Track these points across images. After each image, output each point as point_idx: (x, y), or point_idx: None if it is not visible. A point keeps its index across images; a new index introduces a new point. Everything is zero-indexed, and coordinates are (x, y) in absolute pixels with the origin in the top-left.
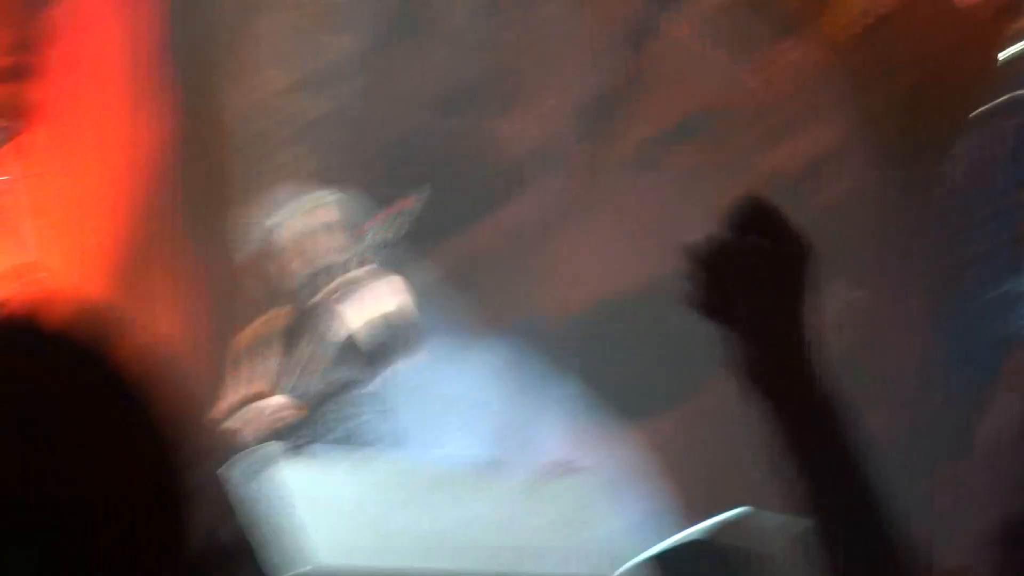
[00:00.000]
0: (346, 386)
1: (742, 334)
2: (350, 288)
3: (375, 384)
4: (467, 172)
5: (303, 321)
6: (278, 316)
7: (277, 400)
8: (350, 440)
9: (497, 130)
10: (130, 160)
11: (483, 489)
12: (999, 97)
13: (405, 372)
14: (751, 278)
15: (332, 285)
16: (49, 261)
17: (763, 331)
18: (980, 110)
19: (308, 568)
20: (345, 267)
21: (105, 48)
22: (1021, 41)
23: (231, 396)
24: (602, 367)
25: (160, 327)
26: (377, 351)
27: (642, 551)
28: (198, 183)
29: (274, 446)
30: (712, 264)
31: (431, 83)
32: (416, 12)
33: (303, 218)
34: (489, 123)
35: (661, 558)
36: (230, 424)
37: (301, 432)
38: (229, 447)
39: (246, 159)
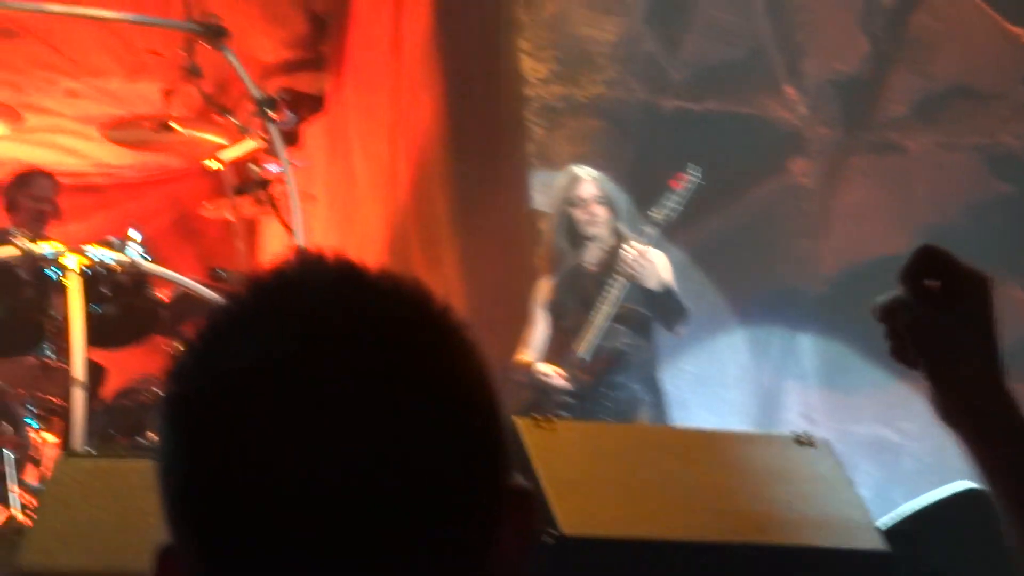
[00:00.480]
0: (620, 356)
1: (935, 381)
2: (625, 260)
3: (643, 355)
4: (724, 154)
5: (574, 292)
6: (543, 288)
7: (548, 368)
8: (616, 409)
9: (754, 112)
10: (401, 147)
11: (728, 458)
12: None
13: (669, 345)
14: (934, 327)
15: (603, 257)
16: (325, 248)
17: (955, 377)
18: None
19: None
20: (611, 241)
21: (378, 40)
22: None
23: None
24: (846, 338)
25: None
26: (652, 322)
27: (878, 522)
28: (465, 168)
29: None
30: (894, 319)
31: (688, 67)
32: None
33: (568, 193)
34: (746, 105)
35: (935, 506)
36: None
37: (571, 399)
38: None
39: (510, 144)
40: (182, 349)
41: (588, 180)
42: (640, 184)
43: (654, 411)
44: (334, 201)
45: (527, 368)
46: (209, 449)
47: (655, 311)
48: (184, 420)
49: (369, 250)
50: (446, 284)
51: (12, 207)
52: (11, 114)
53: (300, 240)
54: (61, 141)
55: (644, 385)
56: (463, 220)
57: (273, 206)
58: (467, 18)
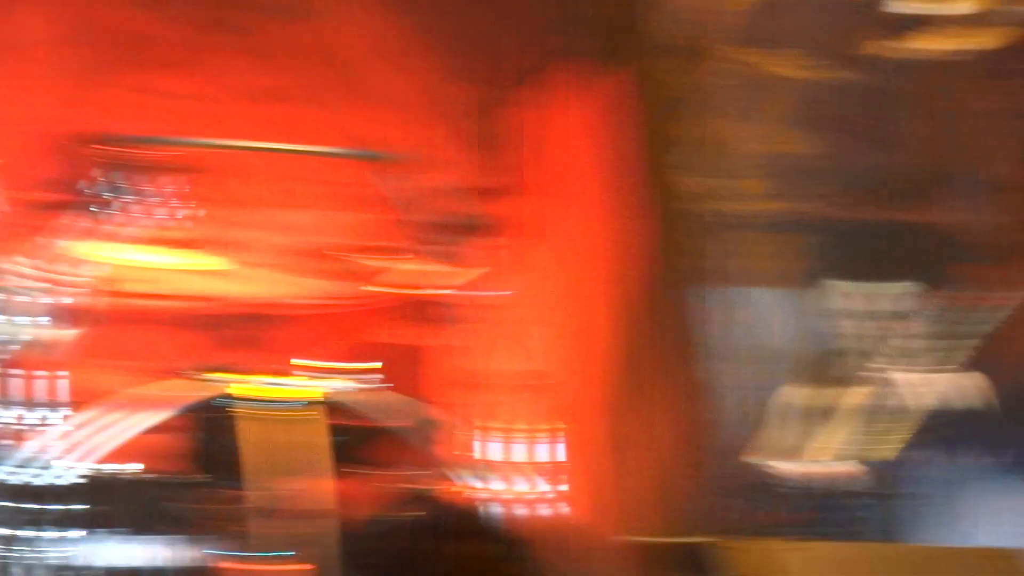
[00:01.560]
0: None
1: None
2: (925, 374)
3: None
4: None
5: (873, 398)
6: (847, 393)
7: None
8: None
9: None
10: (613, 266)
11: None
12: None
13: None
14: None
15: (902, 370)
16: (552, 370)
17: None
18: None
19: None
20: (904, 354)
21: (581, 161)
22: None
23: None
24: None
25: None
26: (953, 440)
27: None
28: (674, 281)
29: None
30: None
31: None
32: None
33: (852, 304)
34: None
35: None
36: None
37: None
38: None
39: (714, 259)
40: None
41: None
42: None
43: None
44: (559, 323)
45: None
46: None
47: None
48: None
49: (594, 371)
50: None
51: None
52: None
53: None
54: (260, 274)
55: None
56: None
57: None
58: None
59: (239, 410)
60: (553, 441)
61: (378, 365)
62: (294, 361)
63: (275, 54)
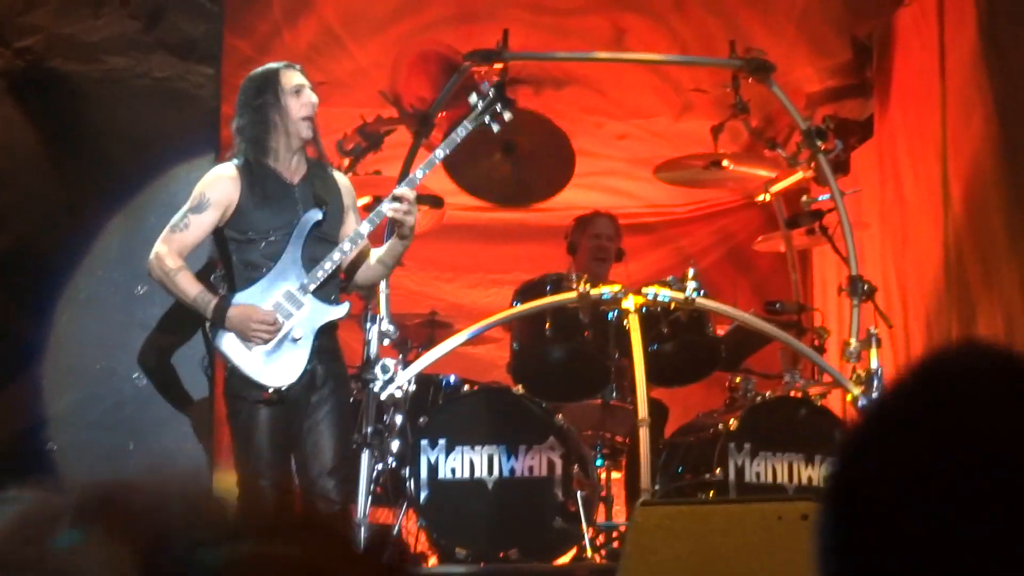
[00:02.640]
0: None
1: None
2: None
3: None
4: None
5: None
6: None
7: None
8: None
9: None
10: (952, 167)
11: None
12: None
13: None
14: None
15: None
16: (875, 273)
17: None
18: None
19: None
20: None
21: (924, 61)
22: None
23: None
24: None
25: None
26: None
27: None
28: (1021, 183)
29: None
30: None
31: None
32: None
33: None
34: None
35: None
36: None
37: None
38: None
39: None
40: (850, 431)
41: None
42: None
43: None
44: (887, 227)
45: None
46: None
47: None
48: (855, 505)
49: (925, 273)
50: (1006, 304)
51: (573, 249)
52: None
53: (854, 269)
54: (612, 183)
55: None
56: (1022, 236)
57: (826, 236)
58: (1017, 34)
59: None
60: None
61: None
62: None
63: None
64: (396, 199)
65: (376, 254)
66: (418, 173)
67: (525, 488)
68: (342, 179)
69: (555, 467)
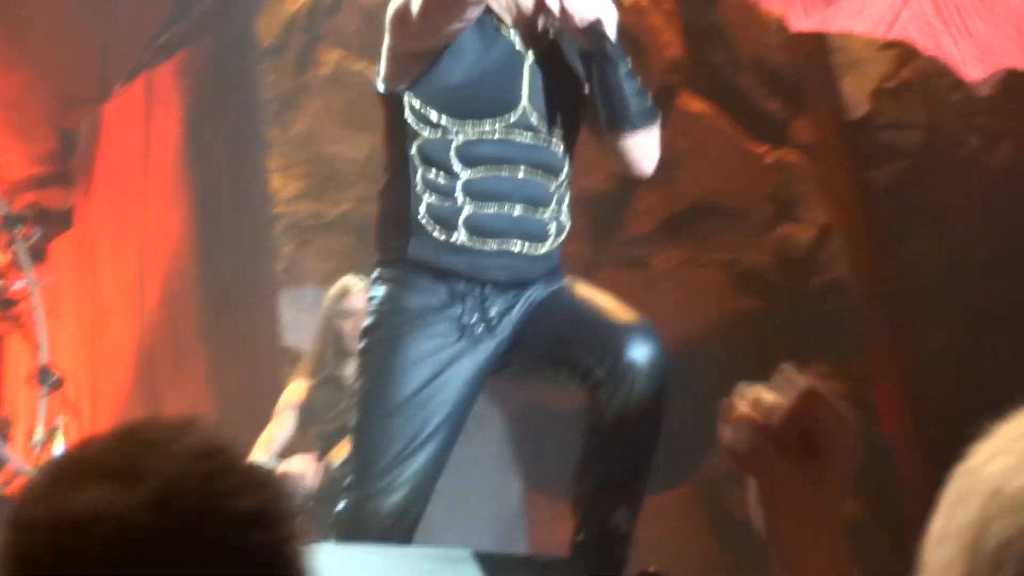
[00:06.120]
0: None
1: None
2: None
3: None
4: None
5: (329, 400)
6: (296, 390)
7: (299, 463)
8: None
9: None
10: (149, 263)
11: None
12: None
13: None
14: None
15: None
16: (66, 364)
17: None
18: None
19: None
20: None
21: (128, 155)
22: None
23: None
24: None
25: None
26: None
27: None
28: (213, 284)
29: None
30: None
31: None
32: None
33: (338, 304)
34: None
35: None
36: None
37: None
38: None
39: (259, 261)
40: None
41: (358, 292)
42: None
43: None
44: (81, 317)
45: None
46: None
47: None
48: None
49: (118, 365)
50: (193, 398)
51: None
52: None
53: (44, 359)
54: None
55: None
56: (211, 336)
57: (19, 324)
58: (217, 136)
59: None
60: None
61: None
62: None
63: None
64: None
65: None
66: None
67: None
68: None
69: None
